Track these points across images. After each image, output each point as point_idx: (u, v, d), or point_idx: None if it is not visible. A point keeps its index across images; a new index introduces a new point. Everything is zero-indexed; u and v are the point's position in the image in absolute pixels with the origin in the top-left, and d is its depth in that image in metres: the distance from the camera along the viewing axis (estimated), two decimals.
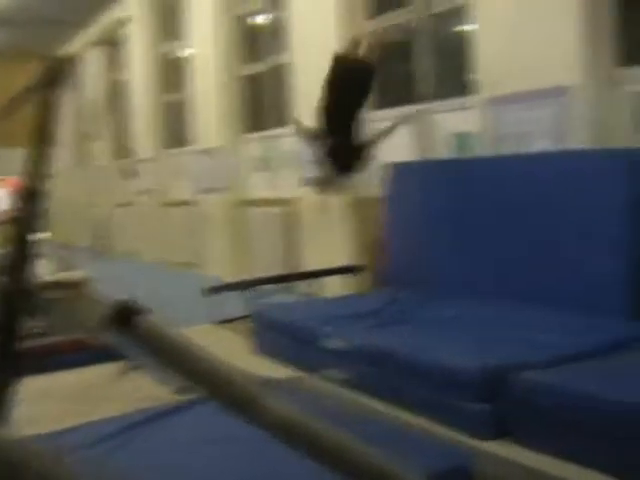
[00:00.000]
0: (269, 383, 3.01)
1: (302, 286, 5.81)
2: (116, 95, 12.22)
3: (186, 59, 9.37)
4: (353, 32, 5.98)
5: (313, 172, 5.01)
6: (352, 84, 4.54)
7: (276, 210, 7.21)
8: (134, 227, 11.09)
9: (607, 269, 3.68)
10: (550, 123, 4.27)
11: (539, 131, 4.35)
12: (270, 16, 7.63)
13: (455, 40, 5.46)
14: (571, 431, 2.71)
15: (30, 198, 2.11)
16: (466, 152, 5.02)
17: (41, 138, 2.13)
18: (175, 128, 10.13)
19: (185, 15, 9.10)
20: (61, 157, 14.25)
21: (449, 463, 2.31)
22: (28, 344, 3.75)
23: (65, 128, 14.15)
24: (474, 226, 4.52)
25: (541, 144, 4.33)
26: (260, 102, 7.95)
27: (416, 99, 5.60)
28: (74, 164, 14.34)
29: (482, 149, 4.80)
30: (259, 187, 7.84)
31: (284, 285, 5.83)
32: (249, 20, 8.20)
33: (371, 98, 5.07)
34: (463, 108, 5.08)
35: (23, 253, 2.08)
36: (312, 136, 4.77)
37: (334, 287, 5.57)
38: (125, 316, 1.15)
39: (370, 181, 5.89)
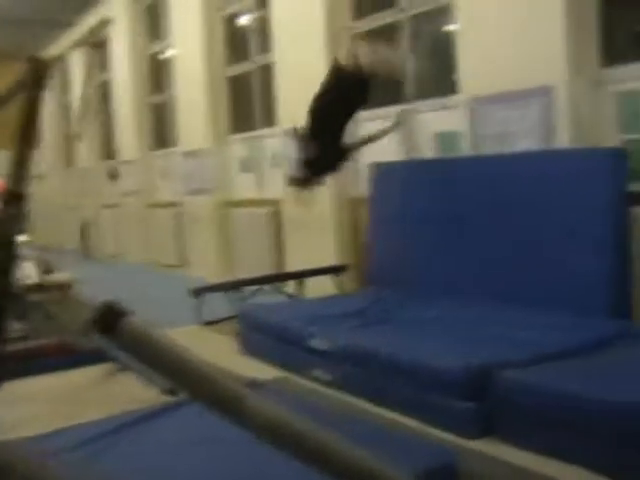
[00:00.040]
0: (255, 384, 3.01)
1: (288, 286, 5.82)
2: (101, 96, 12.16)
3: (171, 60, 9.34)
4: (339, 33, 6.00)
5: (293, 171, 5.02)
6: (348, 94, 4.57)
7: (262, 211, 7.21)
8: (120, 229, 11.05)
9: (591, 268, 3.71)
10: (534, 123, 4.29)
11: (523, 131, 4.36)
12: (255, 16, 7.62)
13: (439, 40, 5.48)
14: (555, 428, 2.73)
15: (13, 200, 2.10)
16: (450, 152, 5.03)
17: (24, 140, 2.12)
18: (161, 129, 10.10)
19: (170, 15, 9.07)
20: (46, 158, 14.16)
21: (435, 462, 2.32)
22: (12, 347, 3.73)
23: (50, 129, 14.08)
24: (457, 226, 4.53)
25: (525, 144, 4.35)
26: (246, 102, 7.93)
27: (401, 99, 5.61)
28: (59, 166, 14.25)
29: (466, 149, 4.81)
30: (245, 188, 7.84)
31: (270, 286, 5.83)
32: (234, 20, 8.18)
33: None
34: (447, 108, 5.10)
35: (6, 256, 2.07)
36: (300, 137, 4.78)
37: (319, 287, 5.57)
38: (110, 318, 1.15)
39: (356, 181, 5.90)
